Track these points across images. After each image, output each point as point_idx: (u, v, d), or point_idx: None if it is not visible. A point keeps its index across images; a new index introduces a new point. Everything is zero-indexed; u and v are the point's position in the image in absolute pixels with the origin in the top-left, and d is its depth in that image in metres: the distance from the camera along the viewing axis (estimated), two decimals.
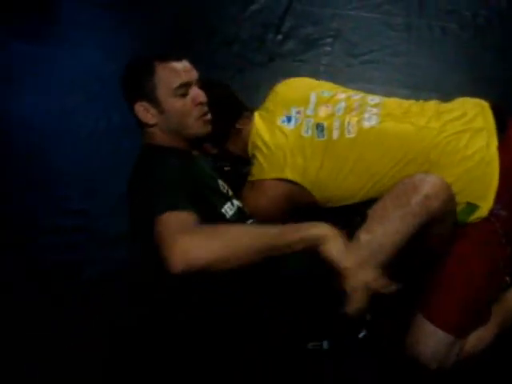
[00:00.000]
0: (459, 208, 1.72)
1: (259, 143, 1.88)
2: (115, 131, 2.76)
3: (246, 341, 1.69)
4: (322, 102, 1.92)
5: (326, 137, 1.83)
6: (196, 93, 1.73)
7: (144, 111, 1.71)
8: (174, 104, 1.71)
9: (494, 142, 1.73)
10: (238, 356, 1.70)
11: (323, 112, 1.89)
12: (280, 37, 3.31)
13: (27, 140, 2.79)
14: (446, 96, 2.78)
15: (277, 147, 1.85)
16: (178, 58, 1.74)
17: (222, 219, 1.66)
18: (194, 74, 1.75)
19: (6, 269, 2.26)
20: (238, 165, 2.10)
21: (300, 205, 1.85)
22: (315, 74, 3.02)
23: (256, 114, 1.99)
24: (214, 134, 1.84)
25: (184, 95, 1.72)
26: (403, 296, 1.89)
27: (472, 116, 1.80)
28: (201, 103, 1.74)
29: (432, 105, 1.90)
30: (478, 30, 3.32)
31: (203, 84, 1.81)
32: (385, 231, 1.58)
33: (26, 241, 2.40)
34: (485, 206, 1.70)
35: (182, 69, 1.72)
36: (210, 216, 1.55)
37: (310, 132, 1.84)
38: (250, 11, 3.51)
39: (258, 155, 1.89)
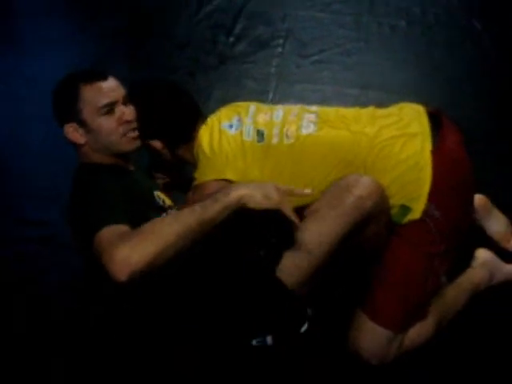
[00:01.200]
0: (394, 210, 1.77)
1: (203, 147, 1.92)
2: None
3: (188, 342, 1.72)
4: (260, 111, 1.96)
5: (265, 141, 1.87)
6: (122, 111, 1.76)
7: (73, 132, 1.74)
8: (100, 123, 1.73)
9: (428, 147, 1.77)
10: (180, 356, 1.74)
11: (262, 119, 1.92)
12: (232, 39, 3.35)
13: None
14: (394, 94, 2.88)
15: (219, 150, 1.88)
16: (104, 77, 1.76)
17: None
18: (120, 92, 1.77)
19: None
20: (182, 172, 2.13)
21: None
22: (266, 76, 3.09)
23: (203, 126, 2.01)
24: (170, 137, 1.93)
25: (110, 113, 1.74)
26: (344, 291, 1.98)
27: (407, 121, 1.84)
28: (127, 121, 1.76)
29: (368, 111, 1.95)
30: (426, 27, 3.39)
31: (170, 87, 1.95)
32: (320, 230, 1.64)
33: None
34: (417, 209, 1.75)
35: (107, 88, 1.74)
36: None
37: (250, 137, 1.88)
38: (203, 13, 3.54)
39: (201, 158, 1.93)
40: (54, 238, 2.36)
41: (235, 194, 1.51)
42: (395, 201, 1.76)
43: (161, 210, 1.77)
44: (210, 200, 1.50)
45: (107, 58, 3.19)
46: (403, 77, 3.06)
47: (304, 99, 2.92)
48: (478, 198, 2.15)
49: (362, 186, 1.66)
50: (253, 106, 1.99)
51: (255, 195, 1.52)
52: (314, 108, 1.97)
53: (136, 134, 1.80)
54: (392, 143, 1.79)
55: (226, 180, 1.86)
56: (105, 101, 1.72)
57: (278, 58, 3.21)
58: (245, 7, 3.56)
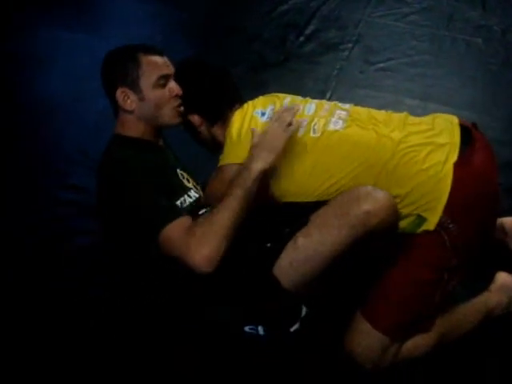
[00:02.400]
0: (410, 219, 1.73)
1: (231, 130, 1.93)
2: None
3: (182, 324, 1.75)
4: (294, 102, 1.96)
5: None
6: (173, 85, 1.85)
7: (124, 97, 1.81)
8: (154, 93, 1.81)
9: (453, 158, 1.71)
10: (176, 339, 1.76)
11: None
12: (301, 38, 3.36)
13: (40, 117, 2.92)
14: (454, 109, 2.80)
15: (245, 137, 1.88)
16: (160, 53, 1.86)
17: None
18: (172, 69, 1.86)
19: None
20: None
21: (256, 196, 1.88)
22: (327, 77, 3.07)
23: (239, 109, 2.04)
24: (209, 113, 1.98)
25: (163, 86, 1.83)
26: (341, 294, 1.94)
27: (438, 131, 1.79)
28: (176, 95, 1.85)
29: (401, 116, 1.90)
30: (503, 47, 3.27)
31: (214, 68, 2.03)
32: (322, 238, 1.62)
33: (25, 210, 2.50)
34: (432, 220, 1.69)
35: (162, 63, 1.84)
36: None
37: None
38: (278, 11, 3.57)
39: (228, 142, 1.94)
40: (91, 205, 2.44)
41: (256, 172, 1.67)
42: (412, 210, 1.72)
43: (183, 189, 1.83)
44: (241, 179, 1.66)
45: (174, 47, 3.27)
46: (467, 93, 2.96)
47: (361, 104, 2.85)
48: (510, 221, 2.07)
49: (372, 201, 1.62)
50: (288, 98, 2.00)
51: (270, 159, 1.69)
52: (346, 106, 1.95)
53: (182, 109, 1.88)
54: (417, 150, 1.74)
55: None
56: (163, 72, 1.82)
57: (343, 61, 3.19)
58: (320, 10, 3.56)
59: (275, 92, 2.06)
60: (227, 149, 1.94)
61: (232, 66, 3.08)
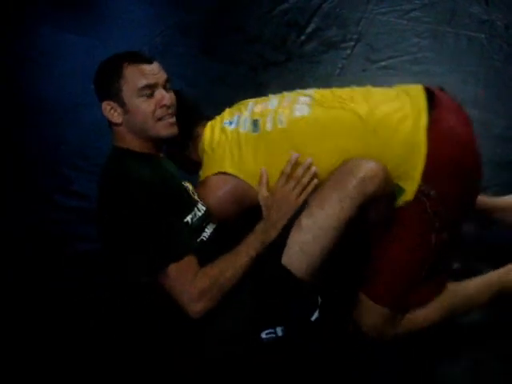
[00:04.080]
0: None
1: (205, 146, 1.93)
2: None
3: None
4: (257, 102, 1.95)
5: (260, 130, 1.84)
6: (161, 95, 1.75)
7: (110, 110, 1.74)
8: (138, 104, 1.73)
9: (423, 124, 1.71)
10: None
11: (258, 109, 1.90)
12: (303, 37, 3.33)
13: (41, 119, 2.92)
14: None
15: (218, 145, 1.88)
16: (148, 61, 1.77)
17: (185, 227, 1.71)
18: (161, 77, 1.77)
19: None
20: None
21: (247, 202, 1.86)
22: (329, 76, 3.05)
23: (208, 123, 2.01)
24: (177, 140, 1.90)
25: (150, 97, 1.74)
26: (351, 277, 1.92)
27: (404, 99, 1.78)
28: (165, 105, 1.76)
29: (364, 89, 1.91)
30: (506, 43, 3.23)
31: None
32: (325, 215, 1.61)
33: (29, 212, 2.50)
34: (410, 190, 1.71)
35: (149, 70, 1.75)
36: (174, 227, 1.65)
37: (246, 128, 1.86)
38: (278, 10, 3.55)
39: (203, 156, 1.94)
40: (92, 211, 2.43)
41: (271, 239, 1.70)
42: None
43: (191, 204, 1.77)
44: (254, 245, 1.69)
45: (175, 48, 3.28)
46: (470, 90, 2.92)
47: None
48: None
49: (365, 169, 1.62)
50: (252, 101, 1.98)
51: (282, 225, 1.71)
52: (309, 91, 1.92)
53: (173, 120, 1.79)
54: (386, 121, 1.74)
55: (224, 173, 1.84)
56: (145, 82, 1.72)
57: (345, 60, 3.17)
58: (321, 8, 3.54)
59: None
60: (204, 163, 1.93)
61: (233, 67, 3.12)
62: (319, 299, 1.68)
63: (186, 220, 1.69)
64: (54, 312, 2.08)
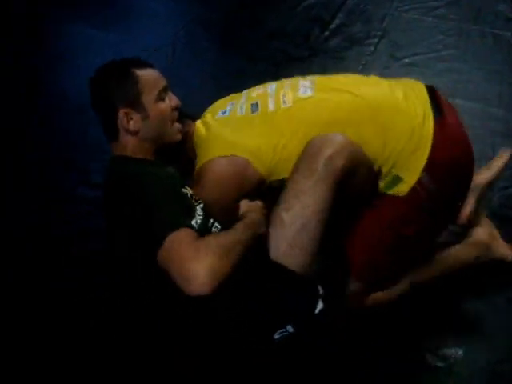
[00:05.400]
0: (387, 179, 1.73)
1: (199, 140, 1.88)
2: None
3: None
4: (253, 89, 1.93)
5: (260, 110, 1.81)
6: (172, 97, 1.77)
7: (128, 118, 1.69)
8: (158, 108, 1.71)
9: (430, 119, 1.71)
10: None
11: (255, 94, 1.88)
12: (326, 33, 3.32)
13: (61, 113, 2.94)
14: (480, 104, 2.76)
15: (215, 135, 1.83)
16: (151, 66, 1.77)
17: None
18: (165, 80, 1.77)
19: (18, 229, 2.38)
20: None
21: (247, 182, 1.79)
22: (351, 73, 3.02)
23: (198, 121, 1.97)
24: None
25: (164, 100, 1.74)
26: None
27: (410, 93, 1.79)
28: (177, 107, 1.77)
29: (371, 77, 1.94)
30: None
31: None
32: (304, 204, 1.58)
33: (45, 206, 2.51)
34: (408, 181, 1.69)
35: (157, 75, 1.75)
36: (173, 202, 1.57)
37: (244, 111, 1.83)
38: (302, 6, 3.53)
39: (198, 150, 1.88)
40: None
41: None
42: (390, 168, 1.72)
43: (193, 206, 1.69)
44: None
45: (197, 43, 3.29)
46: (494, 88, 2.90)
47: None
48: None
49: (330, 145, 1.61)
50: (245, 90, 1.97)
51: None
52: (309, 76, 1.92)
53: (180, 125, 1.80)
54: (395, 106, 1.74)
55: (219, 157, 1.79)
56: (162, 84, 1.73)
57: (368, 56, 3.15)
58: (345, 4, 3.52)
59: None
60: (201, 152, 1.87)
61: (255, 62, 3.11)
62: (320, 289, 1.63)
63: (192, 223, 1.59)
64: (54, 312, 2.08)
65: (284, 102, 1.79)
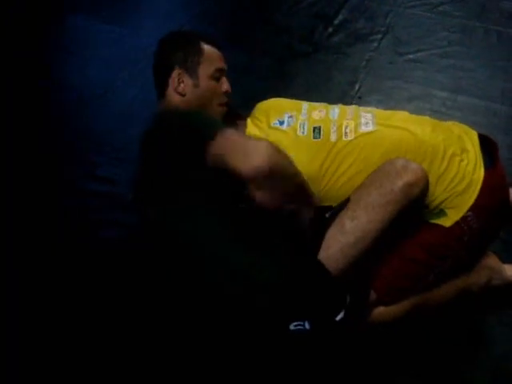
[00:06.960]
0: (434, 211, 1.74)
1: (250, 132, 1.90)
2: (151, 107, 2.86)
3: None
4: (314, 108, 1.93)
5: (322, 138, 1.82)
6: (226, 81, 1.89)
7: (180, 79, 1.82)
8: (209, 83, 1.83)
9: (481, 164, 1.76)
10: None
11: (317, 116, 1.89)
12: (330, 29, 3.32)
13: (70, 107, 2.94)
14: (484, 101, 2.76)
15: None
16: (219, 47, 1.89)
17: None
18: (226, 65, 1.90)
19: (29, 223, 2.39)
20: None
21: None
22: (355, 68, 3.04)
23: (248, 120, 1.99)
24: None
25: (217, 80, 1.85)
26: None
27: (461, 136, 1.83)
28: (227, 91, 1.87)
29: (426, 118, 1.93)
30: None
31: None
32: (369, 219, 1.61)
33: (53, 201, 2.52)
34: (452, 218, 1.72)
35: (220, 56, 1.88)
36: None
37: (306, 132, 1.84)
38: (306, 2, 3.53)
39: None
40: (118, 196, 2.46)
41: None
42: (439, 204, 1.74)
43: None
44: None
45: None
46: (498, 85, 2.90)
47: (390, 95, 2.88)
48: None
49: (411, 173, 1.64)
50: (305, 104, 1.98)
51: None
52: (369, 108, 1.95)
53: (225, 109, 1.88)
54: (451, 153, 1.76)
55: None
56: (221, 65, 1.86)
57: (372, 52, 3.15)
58: (349, 0, 3.52)
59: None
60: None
61: (259, 57, 3.12)
62: (348, 298, 1.66)
63: None
64: (54, 312, 2.08)
65: (345, 134, 1.81)
